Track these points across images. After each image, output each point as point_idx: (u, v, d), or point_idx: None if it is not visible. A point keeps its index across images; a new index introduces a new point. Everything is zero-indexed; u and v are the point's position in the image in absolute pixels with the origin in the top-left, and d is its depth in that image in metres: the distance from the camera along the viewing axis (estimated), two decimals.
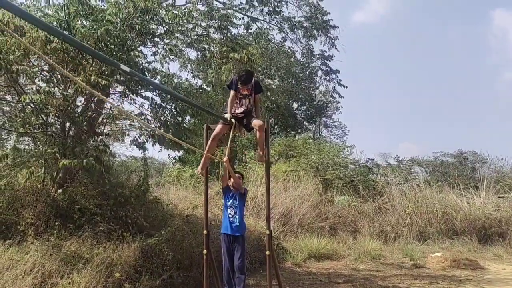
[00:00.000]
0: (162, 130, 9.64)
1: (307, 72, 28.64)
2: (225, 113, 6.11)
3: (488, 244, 16.17)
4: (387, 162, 25.64)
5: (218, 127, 6.05)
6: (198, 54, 10.35)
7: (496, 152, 40.88)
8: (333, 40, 18.32)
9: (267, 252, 5.92)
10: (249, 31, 13.73)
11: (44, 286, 6.46)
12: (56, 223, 7.86)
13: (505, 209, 17.88)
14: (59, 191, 8.60)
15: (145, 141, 9.45)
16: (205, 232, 6.13)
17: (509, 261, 14.18)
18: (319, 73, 28.28)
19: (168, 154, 20.07)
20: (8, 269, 6.27)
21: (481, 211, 17.57)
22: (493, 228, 16.91)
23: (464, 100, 61.03)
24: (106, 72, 8.06)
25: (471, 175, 24.85)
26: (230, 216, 5.91)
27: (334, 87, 27.96)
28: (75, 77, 7.48)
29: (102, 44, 8.12)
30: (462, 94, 61.65)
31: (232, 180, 6.06)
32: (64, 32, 7.48)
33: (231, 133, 6.02)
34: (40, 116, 7.88)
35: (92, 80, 7.49)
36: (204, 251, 6.11)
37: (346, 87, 27.27)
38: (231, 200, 5.99)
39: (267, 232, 6.01)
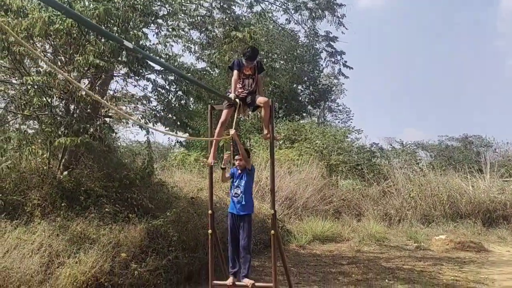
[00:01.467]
0: (165, 112, 9.62)
1: (311, 54, 28.40)
2: (229, 93, 6.06)
3: (493, 227, 16.18)
4: (391, 146, 25.60)
5: (224, 113, 5.99)
6: (201, 35, 10.29)
7: (502, 136, 40.70)
8: (340, 19, 18.07)
9: (272, 232, 5.91)
10: (253, 10, 13.56)
11: (52, 265, 6.53)
12: (63, 204, 7.91)
13: (510, 192, 17.86)
14: (65, 173, 8.64)
15: (148, 121, 9.43)
16: (210, 212, 6.12)
17: None
18: (324, 54, 28.05)
19: (168, 138, 20.02)
20: (16, 248, 6.33)
21: (486, 195, 17.56)
22: (498, 211, 16.92)
23: (471, 85, 60.61)
24: (106, 53, 8.00)
25: (476, 159, 24.77)
26: (236, 195, 5.87)
27: (340, 68, 27.76)
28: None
29: (103, 25, 8.06)
30: (469, 79, 61.19)
31: (237, 161, 6.00)
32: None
33: (236, 114, 5.99)
34: (44, 98, 7.87)
35: (90, 60, 7.43)
36: (209, 231, 6.11)
37: (352, 68, 27.04)
38: (238, 180, 5.95)
39: (272, 211, 6.00)
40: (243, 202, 5.79)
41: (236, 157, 5.96)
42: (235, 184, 5.93)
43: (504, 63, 64.30)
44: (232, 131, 5.74)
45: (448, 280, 9.17)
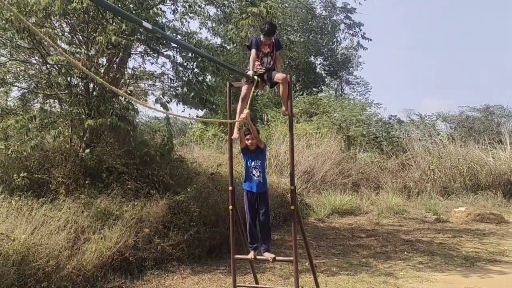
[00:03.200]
0: (185, 89, 9.64)
1: (329, 27, 27.92)
2: (248, 70, 6.04)
3: None
4: (410, 118, 25.30)
5: (244, 88, 5.98)
6: (217, 11, 10.21)
7: None
8: None
9: (292, 207, 5.95)
10: None
11: (78, 240, 6.74)
12: (86, 182, 8.10)
13: None
14: (87, 151, 8.80)
15: (170, 100, 9.49)
16: (230, 188, 6.19)
17: None
18: (342, 26, 27.61)
19: (189, 114, 20.11)
20: (43, 225, 6.53)
21: (507, 166, 17.36)
22: None
23: (492, 54, 59.02)
24: (126, 32, 8.02)
25: (497, 129, 24.34)
26: (255, 176, 5.88)
27: (359, 41, 27.34)
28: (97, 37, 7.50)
29: (120, 3, 8.06)
30: (490, 48, 59.56)
31: (249, 140, 5.96)
32: None
33: (252, 90, 5.97)
34: (65, 77, 7.96)
35: (113, 40, 7.48)
36: (230, 207, 6.19)
37: (370, 40, 26.59)
38: (254, 161, 5.89)
39: (291, 187, 6.04)
40: (262, 181, 5.85)
41: (248, 136, 5.91)
42: (252, 164, 5.86)
43: None
44: (245, 112, 5.69)
45: (468, 252, 9.20)
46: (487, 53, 59.32)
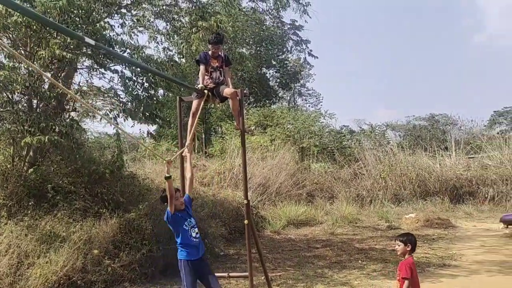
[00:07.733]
0: (134, 104, 9.40)
1: (278, 36, 28.32)
2: (198, 84, 6.00)
3: (460, 203, 16.79)
4: (361, 128, 25.96)
5: (194, 103, 5.95)
6: (167, 25, 10.09)
7: (467, 114, 41.97)
8: (305, 7, 18.01)
9: (246, 221, 5.92)
10: None
11: (21, 266, 6.38)
12: (30, 203, 7.70)
13: (475, 168, 18.50)
14: (30, 170, 8.39)
15: (117, 116, 9.24)
16: None
17: (479, 218, 14.77)
18: (290, 42, 28.19)
19: (140, 129, 19.65)
20: None
21: (453, 172, 18.13)
22: (464, 188, 17.53)
23: (438, 63, 61.95)
24: (71, 46, 7.77)
25: (442, 137, 25.40)
26: (195, 238, 5.12)
27: (305, 57, 27.98)
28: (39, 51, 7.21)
29: (66, 16, 7.80)
30: (437, 58, 62.56)
31: (178, 200, 5.08)
32: (25, 4, 7.14)
33: (201, 105, 5.89)
34: (5, 94, 7.58)
35: (57, 54, 7.20)
36: None
37: (317, 57, 27.34)
38: (188, 219, 5.13)
39: (245, 201, 6.01)
40: (201, 241, 5.26)
41: (177, 194, 5.07)
42: (191, 225, 5.13)
43: (469, 43, 65.97)
44: (166, 160, 5.36)
45: (418, 258, 9.40)
46: (432, 63, 62.19)
